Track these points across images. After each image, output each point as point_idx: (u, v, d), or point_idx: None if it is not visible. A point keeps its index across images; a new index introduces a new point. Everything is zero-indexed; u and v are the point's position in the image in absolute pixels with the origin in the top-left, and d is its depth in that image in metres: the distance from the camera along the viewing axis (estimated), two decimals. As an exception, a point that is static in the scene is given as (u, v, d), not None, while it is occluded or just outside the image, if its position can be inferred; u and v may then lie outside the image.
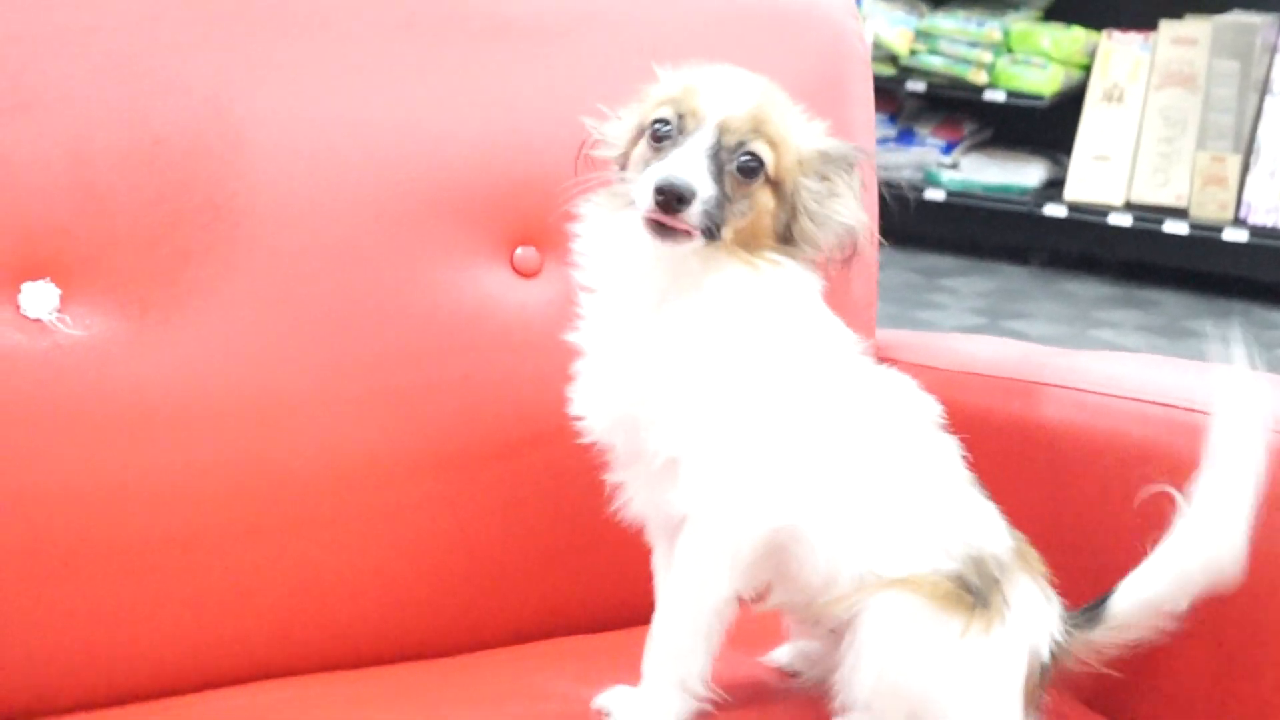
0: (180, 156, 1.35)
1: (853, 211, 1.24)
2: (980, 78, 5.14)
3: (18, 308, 1.30)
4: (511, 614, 1.47)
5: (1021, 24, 5.17)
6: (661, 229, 1.16)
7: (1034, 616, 1.27)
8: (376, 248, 1.41)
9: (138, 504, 1.32)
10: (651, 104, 1.23)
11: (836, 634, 1.29)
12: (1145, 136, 5.00)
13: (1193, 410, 1.34)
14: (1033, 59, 5.10)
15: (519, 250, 1.47)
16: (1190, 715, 1.34)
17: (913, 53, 5.17)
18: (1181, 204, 4.94)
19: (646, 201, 1.15)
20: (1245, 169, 4.87)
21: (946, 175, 5.25)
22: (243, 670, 1.37)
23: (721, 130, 1.18)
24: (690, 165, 1.16)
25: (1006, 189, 5.19)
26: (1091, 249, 5.13)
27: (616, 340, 1.24)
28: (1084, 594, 1.32)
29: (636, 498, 1.28)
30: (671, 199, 1.14)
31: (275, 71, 1.41)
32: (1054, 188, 5.16)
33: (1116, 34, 5.09)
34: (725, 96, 1.19)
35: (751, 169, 1.18)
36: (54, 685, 1.32)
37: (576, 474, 1.45)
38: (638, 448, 1.23)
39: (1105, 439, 1.40)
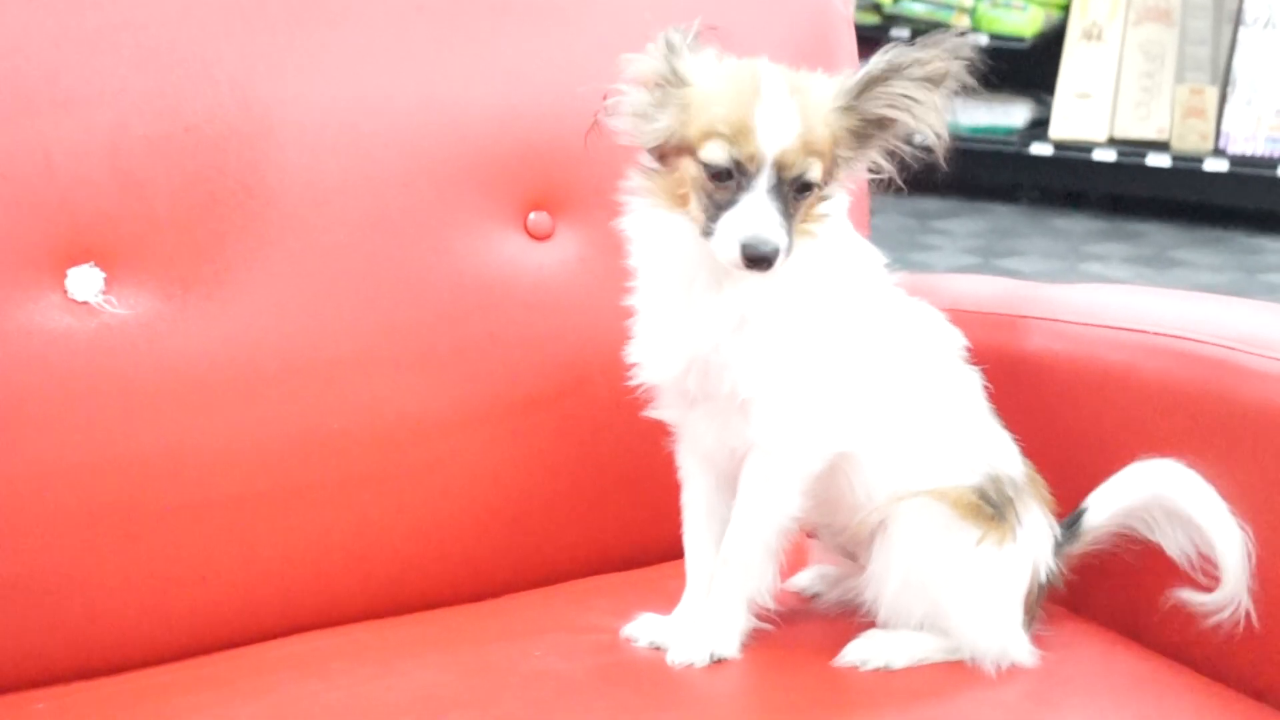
0: (212, 142, 1.43)
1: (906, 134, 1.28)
2: (962, 22, 5.20)
3: (65, 292, 1.37)
4: (546, 556, 1.56)
5: (1000, -34, 5.23)
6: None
7: (1039, 537, 1.38)
8: (401, 219, 1.49)
9: (189, 470, 1.40)
10: (698, 130, 1.26)
11: (856, 557, 1.40)
12: (1125, 72, 5.06)
13: (1163, 335, 1.44)
14: (1012, 1, 5.16)
15: (532, 215, 1.55)
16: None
17: (895, 0, 5.24)
18: (1163, 137, 5.01)
19: (733, 256, 1.22)
20: (1223, 100, 4.94)
21: (933, 119, 5.31)
22: (296, 622, 1.44)
23: (779, 167, 1.24)
24: (768, 221, 1.22)
25: (993, 130, 5.26)
26: (1078, 185, 5.21)
27: (679, 303, 1.32)
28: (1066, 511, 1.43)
29: (704, 436, 1.36)
30: (759, 260, 1.22)
31: (296, 57, 1.48)
32: (1039, 127, 5.23)
33: (1093, -28, 5.15)
34: (776, 130, 1.23)
35: (808, 186, 1.26)
36: (115, 644, 1.39)
37: (600, 422, 1.55)
38: (709, 390, 1.32)
39: (1084, 366, 1.49)
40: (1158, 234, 5.00)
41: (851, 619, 1.40)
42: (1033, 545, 1.38)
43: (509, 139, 1.55)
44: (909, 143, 1.31)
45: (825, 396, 1.31)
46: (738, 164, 1.24)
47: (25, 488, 1.35)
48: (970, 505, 1.34)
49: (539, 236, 1.56)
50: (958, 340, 1.40)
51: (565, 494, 1.56)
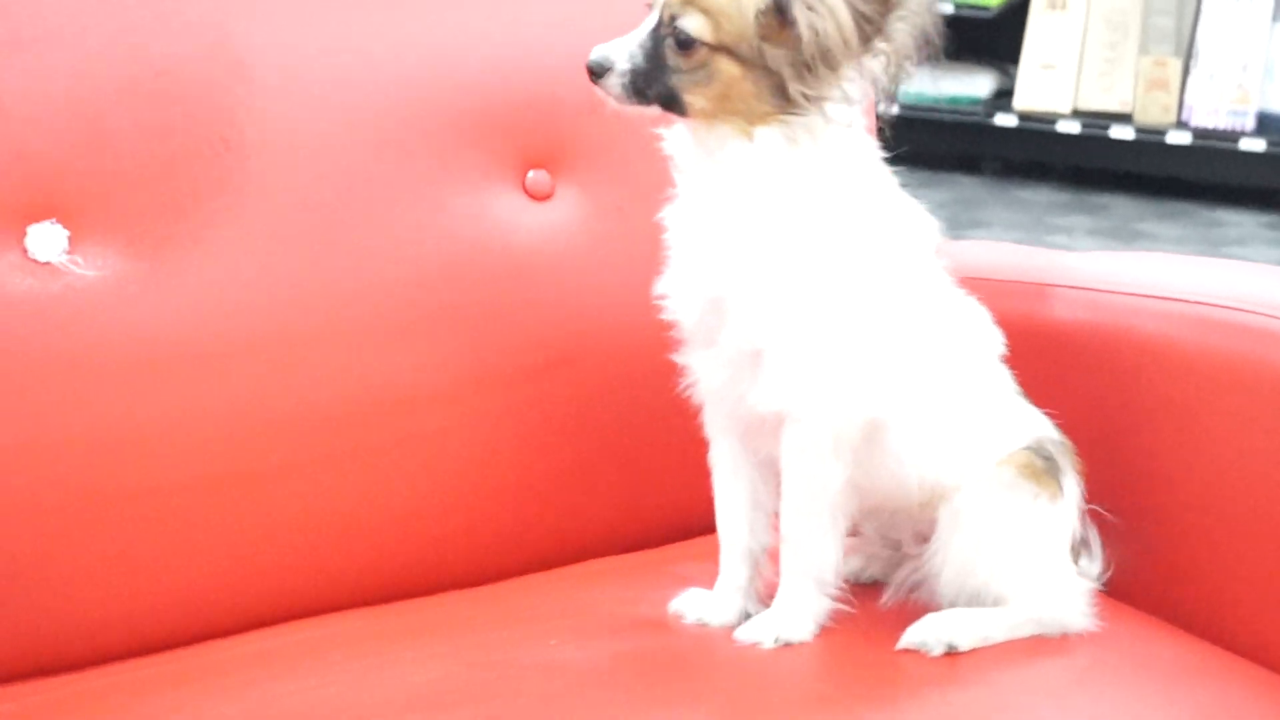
0: (185, 89, 1.33)
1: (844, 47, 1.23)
2: (925, -11, 5.15)
3: (25, 251, 1.27)
4: (546, 537, 1.47)
5: (963, -66, 5.17)
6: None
7: (1076, 499, 1.35)
8: (388, 176, 1.40)
9: (162, 447, 1.31)
10: None
11: (902, 545, 1.36)
12: (1089, 43, 5.03)
13: (1206, 304, 1.37)
14: (977, -30, 5.10)
15: (531, 174, 1.46)
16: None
17: (857, -33, 5.16)
18: (1126, 109, 4.99)
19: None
20: (1186, 72, 4.93)
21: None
22: (279, 610, 1.35)
23: (664, 8, 1.25)
24: (614, 44, 1.25)
25: (958, 100, 5.21)
26: (1042, 156, 5.19)
27: (688, 229, 1.29)
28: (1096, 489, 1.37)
29: (725, 392, 1.30)
30: (591, 74, 1.25)
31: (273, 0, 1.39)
32: (1003, 97, 5.19)
33: (1057, -59, 5.11)
34: None
35: (685, 41, 1.23)
36: (85, 637, 1.30)
37: (600, 395, 1.47)
38: (718, 336, 1.27)
39: (1119, 338, 1.42)
40: (1121, 206, 4.99)
41: (900, 607, 1.33)
42: (1073, 504, 1.34)
43: (508, 91, 1.45)
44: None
45: (850, 354, 1.25)
46: (648, 8, 1.26)
47: (-18, 467, 1.24)
48: (1029, 465, 1.31)
49: (538, 196, 1.47)
50: (996, 338, 1.35)
51: (567, 471, 1.47)
